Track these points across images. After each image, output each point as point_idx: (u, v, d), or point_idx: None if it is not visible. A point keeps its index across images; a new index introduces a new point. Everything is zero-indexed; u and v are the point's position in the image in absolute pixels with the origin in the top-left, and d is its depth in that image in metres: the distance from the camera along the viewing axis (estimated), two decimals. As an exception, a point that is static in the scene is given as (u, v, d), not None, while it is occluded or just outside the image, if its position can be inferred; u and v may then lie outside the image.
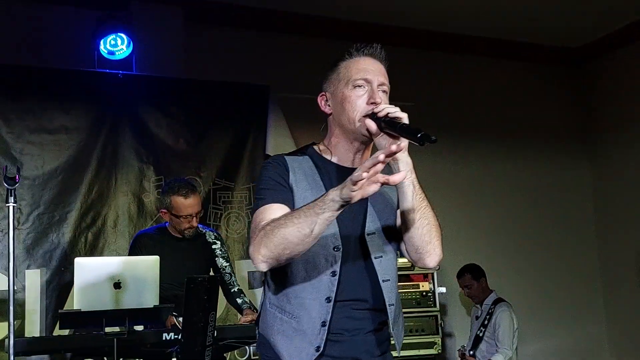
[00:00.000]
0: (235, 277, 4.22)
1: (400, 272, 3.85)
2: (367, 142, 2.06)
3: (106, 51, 4.79)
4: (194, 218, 3.91)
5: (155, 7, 4.98)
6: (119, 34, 4.72)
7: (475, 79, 6.34)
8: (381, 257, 2.02)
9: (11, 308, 2.15)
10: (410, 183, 1.99)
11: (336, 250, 1.98)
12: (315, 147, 2.15)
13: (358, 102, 2.03)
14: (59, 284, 4.46)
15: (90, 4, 4.87)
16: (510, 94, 6.49)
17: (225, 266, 4.13)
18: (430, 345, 4.22)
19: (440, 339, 4.26)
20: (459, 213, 5.90)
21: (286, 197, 2.00)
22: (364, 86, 2.05)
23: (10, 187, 2.18)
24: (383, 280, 2.01)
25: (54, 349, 3.72)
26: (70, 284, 4.42)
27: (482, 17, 5.63)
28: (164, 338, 3.36)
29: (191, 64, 5.09)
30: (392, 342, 2.08)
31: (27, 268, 4.40)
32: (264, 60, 5.43)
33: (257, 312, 4.04)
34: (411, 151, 2.01)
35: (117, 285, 3.17)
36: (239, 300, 4.03)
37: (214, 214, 4.96)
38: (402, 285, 4.36)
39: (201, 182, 4.92)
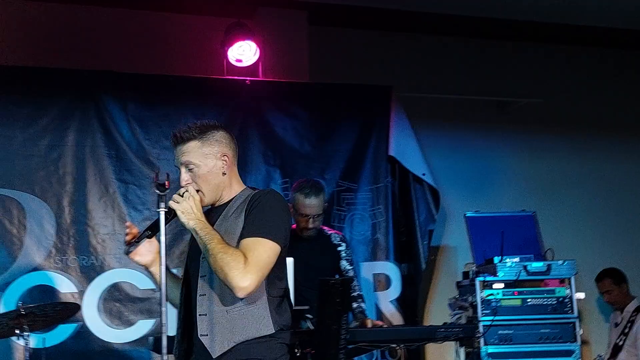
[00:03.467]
0: (357, 281, 4.23)
1: (533, 277, 3.66)
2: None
3: (234, 58, 4.92)
4: (312, 220, 3.94)
5: (281, 13, 5.08)
6: (246, 41, 4.83)
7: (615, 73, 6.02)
8: (204, 295, 2.38)
9: (163, 309, 2.23)
10: (198, 240, 2.33)
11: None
12: None
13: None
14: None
15: (218, 13, 5.03)
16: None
17: (349, 269, 4.15)
18: (567, 353, 4.03)
19: (579, 347, 4.06)
20: (601, 213, 5.61)
21: None
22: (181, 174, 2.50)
23: (161, 194, 2.27)
24: (199, 315, 2.39)
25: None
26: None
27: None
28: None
29: (315, 67, 5.15)
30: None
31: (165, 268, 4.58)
32: (387, 61, 5.42)
33: (367, 318, 4.07)
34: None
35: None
36: (354, 305, 4.03)
37: (338, 216, 4.98)
38: (536, 290, 4.20)
39: (325, 184, 4.96)
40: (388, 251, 5.02)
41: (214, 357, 2.33)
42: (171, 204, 2.36)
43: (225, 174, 2.47)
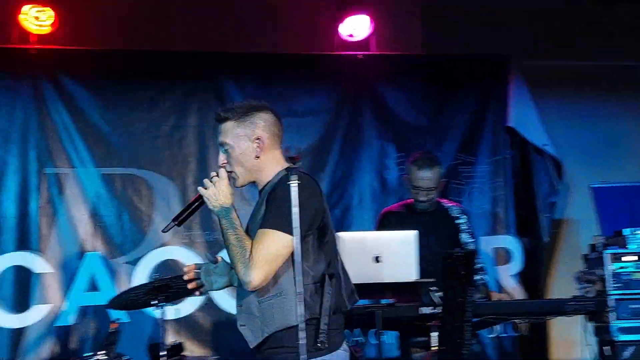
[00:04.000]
0: (478, 254, 4.15)
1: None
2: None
3: (346, 33, 4.91)
4: (426, 192, 3.90)
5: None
6: (358, 15, 4.81)
7: None
8: (241, 285, 2.32)
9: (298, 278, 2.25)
10: (221, 226, 2.32)
11: None
12: None
13: None
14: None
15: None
16: None
17: (469, 242, 4.08)
18: None
19: None
20: None
21: None
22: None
23: (293, 166, 2.29)
24: (238, 305, 2.40)
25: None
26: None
27: None
28: (421, 312, 3.39)
29: (429, 38, 5.06)
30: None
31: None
32: (504, 29, 5.23)
33: (491, 290, 3.98)
34: None
35: (377, 259, 3.26)
36: (476, 277, 3.95)
37: (456, 190, 4.91)
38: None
39: (442, 157, 4.89)
40: (508, 225, 4.91)
41: (251, 347, 2.36)
42: (200, 189, 2.34)
43: (258, 157, 2.40)
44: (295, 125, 4.78)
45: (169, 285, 3.51)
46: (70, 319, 4.43)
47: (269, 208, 2.30)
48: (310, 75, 4.90)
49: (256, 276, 2.22)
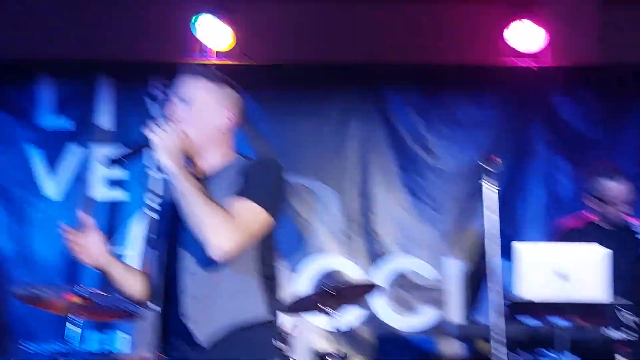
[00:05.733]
0: None
1: None
2: None
3: (515, 43, 4.73)
4: (617, 206, 3.64)
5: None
6: (528, 25, 4.62)
7: None
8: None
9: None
10: (169, 172, 1.99)
11: None
12: None
13: None
14: (478, 273, 4.55)
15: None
16: None
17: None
18: None
19: None
20: None
21: None
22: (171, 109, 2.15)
23: (491, 173, 2.19)
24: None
25: (478, 337, 3.78)
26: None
27: None
28: (604, 334, 3.15)
29: (604, 48, 4.76)
30: None
31: (448, 257, 4.57)
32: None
33: None
34: None
35: (563, 275, 3.06)
36: None
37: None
38: None
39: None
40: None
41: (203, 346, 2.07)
42: (149, 133, 2.00)
43: (223, 134, 2.16)
44: (461, 136, 4.71)
45: (337, 292, 3.49)
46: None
47: (250, 184, 2.05)
48: (476, 86, 4.78)
49: (232, 241, 1.96)
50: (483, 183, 2.22)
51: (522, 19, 4.65)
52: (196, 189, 1.99)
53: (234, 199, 2.03)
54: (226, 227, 1.96)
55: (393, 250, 4.60)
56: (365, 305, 4.38)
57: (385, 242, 4.61)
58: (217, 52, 4.73)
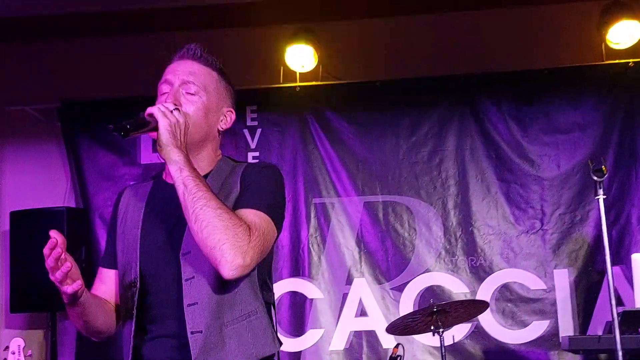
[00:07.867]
0: None
1: None
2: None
3: (612, 41, 4.55)
4: None
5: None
6: (627, 21, 4.42)
7: None
8: (192, 278, 1.77)
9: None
10: (180, 183, 1.70)
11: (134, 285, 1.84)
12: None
13: None
14: (587, 283, 4.38)
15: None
16: None
17: None
18: None
19: None
20: None
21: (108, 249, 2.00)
22: (167, 91, 1.89)
23: (598, 180, 2.11)
24: (188, 305, 1.75)
25: (591, 349, 3.66)
26: (599, 283, 4.31)
27: None
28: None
29: None
30: None
31: (555, 268, 4.43)
32: None
33: None
34: None
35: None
36: None
37: None
38: None
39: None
40: None
41: None
42: (153, 110, 1.74)
43: (220, 131, 1.94)
44: (561, 142, 4.57)
45: (445, 310, 3.45)
46: (343, 344, 4.55)
47: (252, 190, 1.81)
48: (574, 88, 4.62)
49: (248, 254, 1.67)
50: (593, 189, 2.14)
51: (618, 15, 4.45)
52: (206, 186, 1.71)
53: (238, 205, 1.79)
54: (243, 236, 1.67)
55: (497, 263, 4.49)
56: (471, 320, 4.30)
57: (488, 255, 4.51)
58: (302, 74, 4.77)
